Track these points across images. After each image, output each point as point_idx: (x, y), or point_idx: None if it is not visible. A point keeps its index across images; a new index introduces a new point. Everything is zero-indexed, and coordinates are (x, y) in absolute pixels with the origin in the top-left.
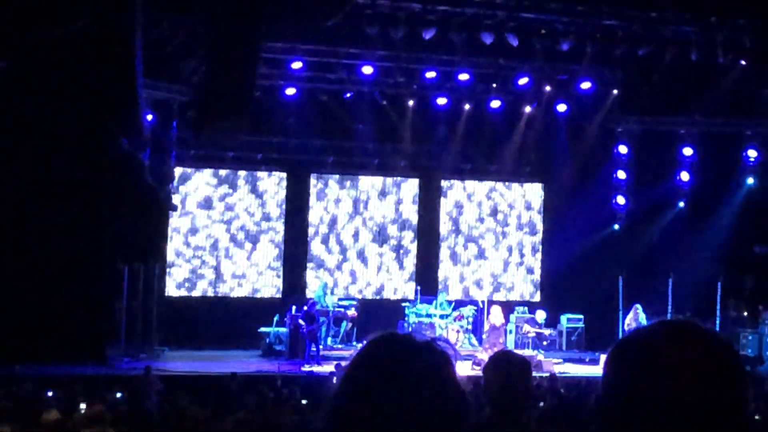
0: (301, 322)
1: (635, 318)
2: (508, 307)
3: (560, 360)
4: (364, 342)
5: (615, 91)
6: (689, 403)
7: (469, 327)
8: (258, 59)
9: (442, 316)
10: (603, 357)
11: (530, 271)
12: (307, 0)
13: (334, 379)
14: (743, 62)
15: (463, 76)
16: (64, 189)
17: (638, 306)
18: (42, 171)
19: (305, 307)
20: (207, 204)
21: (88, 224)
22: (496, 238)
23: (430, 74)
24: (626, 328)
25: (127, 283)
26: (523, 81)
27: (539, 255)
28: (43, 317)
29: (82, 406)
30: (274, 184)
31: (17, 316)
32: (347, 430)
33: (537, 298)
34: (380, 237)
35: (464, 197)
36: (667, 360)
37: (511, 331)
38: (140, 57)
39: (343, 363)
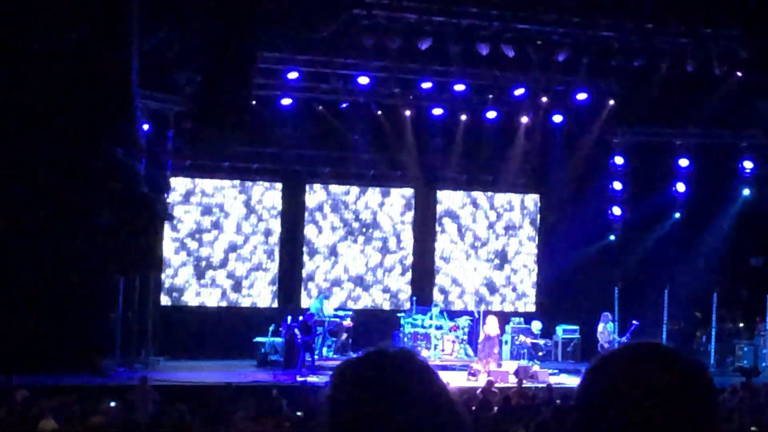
0: (296, 332)
1: (605, 325)
2: (503, 318)
3: (556, 371)
4: (343, 365)
5: (611, 102)
6: (659, 424)
7: (465, 337)
8: (254, 69)
9: (437, 327)
10: None
11: (526, 281)
12: (303, 10)
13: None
14: (738, 73)
15: (459, 87)
16: (60, 199)
17: (608, 314)
18: (37, 181)
19: (302, 317)
20: (202, 214)
21: (84, 234)
22: (492, 249)
23: (426, 85)
24: (599, 336)
25: (123, 293)
26: (519, 92)
27: (535, 265)
28: (39, 327)
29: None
30: (269, 193)
31: (13, 326)
32: None
33: (533, 308)
34: (376, 247)
35: (460, 208)
36: (639, 382)
37: (506, 342)
38: (136, 67)
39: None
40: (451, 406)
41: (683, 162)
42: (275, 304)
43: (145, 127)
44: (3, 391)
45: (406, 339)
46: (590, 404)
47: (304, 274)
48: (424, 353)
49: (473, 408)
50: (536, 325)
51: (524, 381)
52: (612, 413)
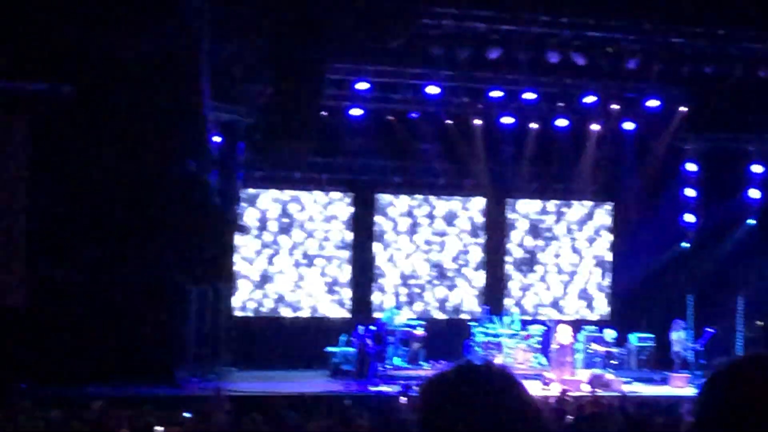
0: (368, 341)
1: (679, 333)
2: (576, 326)
3: (630, 379)
4: (433, 378)
5: (683, 109)
6: None
7: (537, 346)
8: (323, 80)
9: (509, 336)
10: (672, 376)
11: (600, 289)
12: (371, 21)
13: (400, 398)
14: None
15: (529, 96)
16: (133, 211)
17: (680, 321)
18: (109, 194)
19: (373, 327)
20: (274, 224)
21: (156, 245)
22: (564, 257)
23: (496, 94)
24: (673, 344)
25: (196, 304)
26: (589, 99)
27: (609, 273)
28: (112, 338)
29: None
30: (340, 204)
31: (87, 337)
32: None
33: (607, 316)
34: (447, 256)
35: (531, 216)
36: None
37: (579, 351)
38: (207, 79)
39: (412, 385)
40: (539, 420)
41: (757, 168)
42: (347, 314)
43: (217, 139)
44: (79, 402)
45: (478, 348)
46: (714, 415)
47: (375, 284)
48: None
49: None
50: (610, 334)
51: (598, 390)
52: (737, 424)
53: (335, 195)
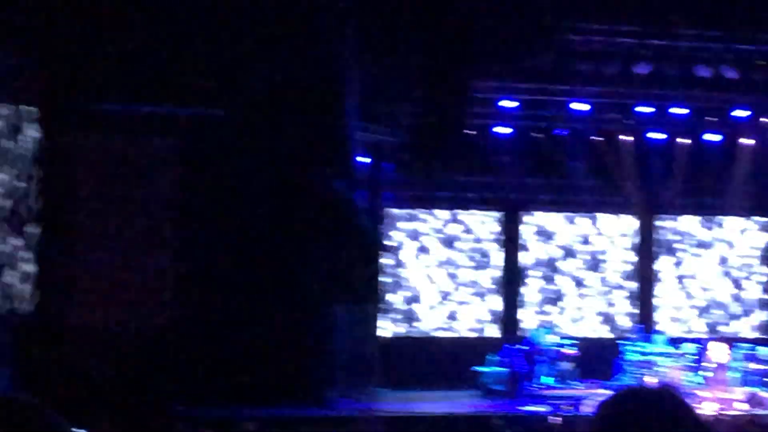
0: (517, 361)
1: None
2: (730, 344)
3: None
4: (608, 400)
5: None
6: None
7: (691, 365)
8: (470, 99)
9: (662, 355)
10: None
11: (755, 306)
12: (517, 38)
13: (550, 418)
14: None
15: (679, 111)
16: (279, 233)
17: None
18: (256, 214)
19: (522, 346)
20: (420, 244)
21: (303, 266)
22: (718, 274)
23: (645, 109)
24: None
25: (343, 325)
26: (741, 113)
27: (764, 290)
28: (263, 359)
29: None
30: (487, 222)
31: (239, 358)
32: None
33: (763, 333)
34: (597, 274)
35: (684, 232)
36: None
37: (734, 369)
38: (354, 100)
39: (562, 405)
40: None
41: None
42: (496, 333)
43: (365, 159)
44: (232, 423)
45: (629, 367)
46: None
47: (525, 302)
48: (649, 381)
49: None
50: (766, 351)
51: (756, 409)
52: None
53: (483, 213)
